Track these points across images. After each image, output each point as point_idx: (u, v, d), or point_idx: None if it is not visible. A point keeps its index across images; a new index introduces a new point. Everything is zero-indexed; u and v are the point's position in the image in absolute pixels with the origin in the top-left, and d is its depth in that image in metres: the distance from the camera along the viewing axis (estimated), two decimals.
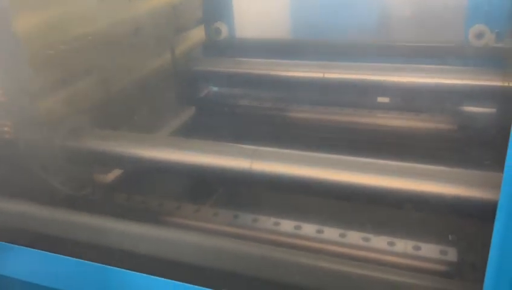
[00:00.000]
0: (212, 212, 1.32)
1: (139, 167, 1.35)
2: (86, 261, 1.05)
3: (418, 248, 1.10)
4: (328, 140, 1.74)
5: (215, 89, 2.08)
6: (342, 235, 1.17)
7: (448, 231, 1.15)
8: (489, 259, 0.66)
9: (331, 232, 1.18)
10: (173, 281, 0.98)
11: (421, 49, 1.78)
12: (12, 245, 1.13)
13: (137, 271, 1.01)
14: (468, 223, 1.14)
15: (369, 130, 1.74)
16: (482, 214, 0.98)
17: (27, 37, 1.24)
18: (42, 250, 1.10)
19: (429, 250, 1.10)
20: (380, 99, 1.80)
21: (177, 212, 1.34)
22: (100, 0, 1.45)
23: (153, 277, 0.99)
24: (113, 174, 1.50)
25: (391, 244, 1.13)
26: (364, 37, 1.87)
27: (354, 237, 1.16)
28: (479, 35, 1.65)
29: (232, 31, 2.04)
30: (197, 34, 1.98)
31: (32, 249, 1.12)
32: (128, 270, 1.02)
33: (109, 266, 1.03)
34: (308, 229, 1.20)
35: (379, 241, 1.13)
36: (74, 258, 1.06)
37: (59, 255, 1.08)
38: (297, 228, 1.21)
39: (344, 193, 1.14)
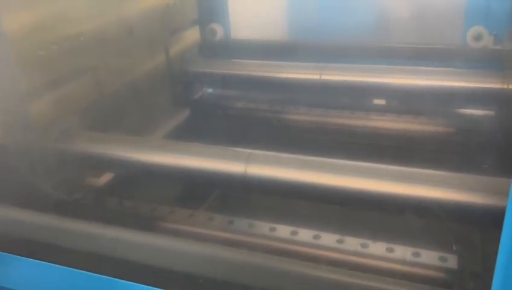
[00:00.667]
0: (207, 217, 1.30)
1: (131, 170, 1.33)
2: (77, 270, 1.02)
3: (417, 255, 1.08)
4: (325, 143, 1.72)
5: (210, 90, 2.05)
6: (340, 241, 1.14)
7: (449, 237, 1.12)
8: (496, 267, 0.63)
9: (328, 238, 1.16)
10: None
11: (419, 51, 1.77)
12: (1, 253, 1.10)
13: (130, 281, 0.98)
14: (469, 228, 1.12)
15: (367, 133, 1.72)
16: (484, 220, 0.96)
17: (17, 37, 1.21)
18: (32, 258, 1.07)
19: (429, 257, 1.07)
20: (377, 101, 1.78)
21: (170, 217, 1.31)
22: None
23: (147, 287, 0.97)
24: (106, 178, 1.48)
25: (390, 250, 1.10)
26: (360, 39, 1.85)
27: (352, 243, 1.14)
28: (477, 37, 1.64)
29: (227, 32, 2.02)
30: (192, 35, 1.96)
31: (21, 257, 1.08)
32: (121, 280, 0.99)
33: (101, 275, 1.00)
34: (305, 234, 1.18)
35: (377, 248, 1.11)
36: (64, 267, 1.03)
37: (49, 263, 1.05)
38: (294, 233, 1.19)
39: (341, 198, 1.12)
